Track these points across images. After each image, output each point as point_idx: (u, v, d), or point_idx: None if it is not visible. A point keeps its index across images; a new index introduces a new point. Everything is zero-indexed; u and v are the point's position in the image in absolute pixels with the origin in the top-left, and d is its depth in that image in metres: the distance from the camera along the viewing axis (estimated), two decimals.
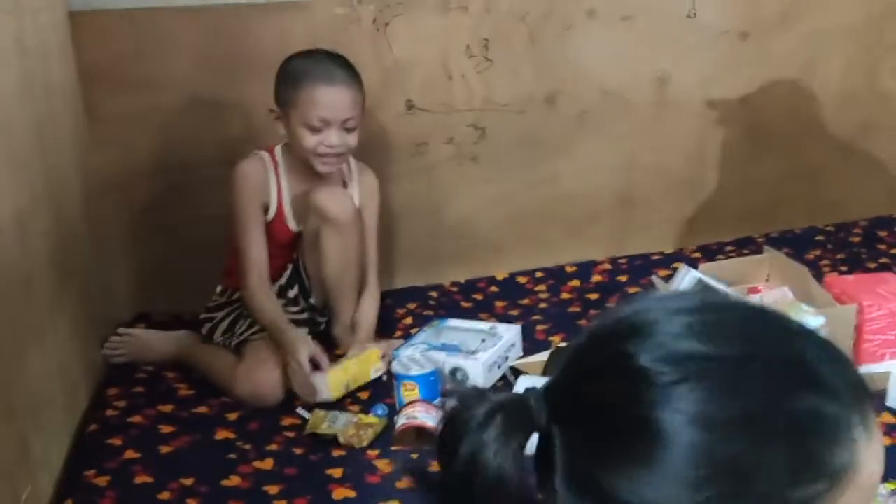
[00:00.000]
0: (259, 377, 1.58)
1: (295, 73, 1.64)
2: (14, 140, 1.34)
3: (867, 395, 0.51)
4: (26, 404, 1.28)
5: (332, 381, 1.54)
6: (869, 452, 0.49)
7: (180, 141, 1.90)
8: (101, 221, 1.84)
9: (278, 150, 1.73)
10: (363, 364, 1.60)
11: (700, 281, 1.65)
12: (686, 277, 1.68)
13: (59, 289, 1.49)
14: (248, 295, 1.66)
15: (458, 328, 1.75)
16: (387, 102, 2.00)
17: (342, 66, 1.65)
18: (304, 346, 1.56)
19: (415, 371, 1.49)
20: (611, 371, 0.51)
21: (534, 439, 0.55)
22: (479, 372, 1.56)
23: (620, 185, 2.20)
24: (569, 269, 2.15)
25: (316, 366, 1.56)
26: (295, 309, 1.77)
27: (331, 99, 1.61)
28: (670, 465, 0.48)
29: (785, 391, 0.49)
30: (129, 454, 1.40)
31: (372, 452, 1.41)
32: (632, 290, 2.03)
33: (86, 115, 1.81)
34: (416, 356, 1.55)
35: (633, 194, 2.21)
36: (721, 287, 1.64)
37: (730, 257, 2.09)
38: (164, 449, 1.42)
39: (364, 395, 1.60)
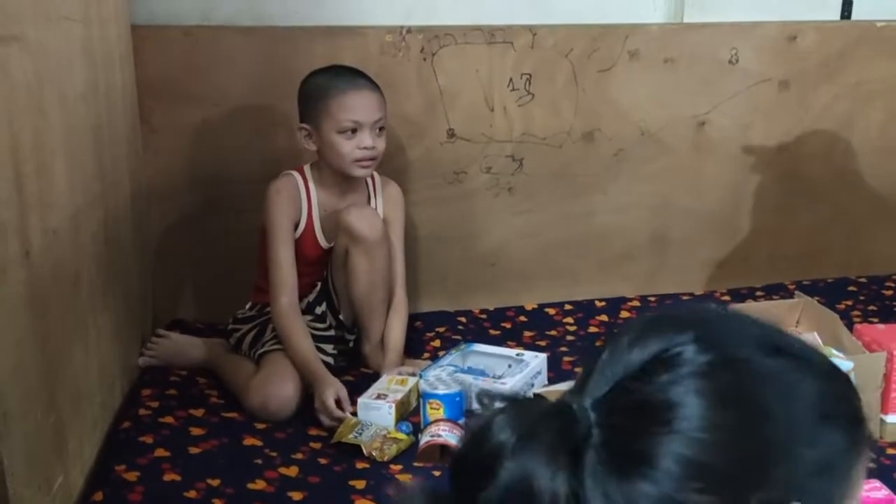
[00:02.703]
0: (270, 391, 1.58)
1: (320, 86, 1.72)
2: (75, 142, 1.41)
3: (863, 431, 0.56)
4: (66, 397, 1.32)
5: (395, 414, 1.54)
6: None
7: (227, 154, 1.96)
8: (145, 227, 1.90)
9: (307, 168, 1.79)
10: (413, 394, 1.61)
11: None
12: None
13: (103, 290, 1.54)
14: (278, 317, 1.68)
15: (485, 353, 1.77)
16: (429, 130, 2.05)
17: (362, 75, 1.74)
18: (331, 388, 1.56)
19: (441, 390, 1.52)
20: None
21: None
22: None
23: (654, 225, 2.22)
24: (598, 304, 2.17)
25: (339, 406, 1.54)
26: (322, 325, 1.80)
27: (360, 102, 1.69)
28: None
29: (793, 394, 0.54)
30: (160, 452, 1.43)
31: (395, 467, 1.44)
32: None
33: (141, 123, 1.88)
34: (442, 376, 1.58)
35: (666, 234, 2.23)
36: None
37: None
38: (193, 450, 1.45)
39: None
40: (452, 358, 1.73)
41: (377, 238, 1.74)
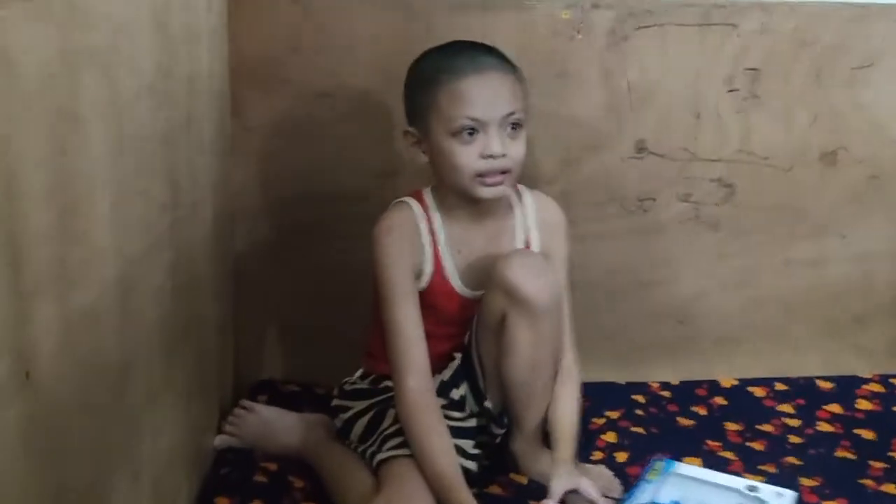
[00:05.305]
0: None
1: (427, 72, 1.23)
2: (131, 158, 0.93)
3: None
4: None
5: None
6: None
7: (338, 163, 1.49)
8: (228, 260, 1.44)
9: (427, 192, 1.29)
10: None
11: None
12: None
13: (166, 368, 1.08)
14: (404, 407, 1.20)
15: (697, 479, 1.23)
16: (610, 140, 1.51)
17: (488, 51, 1.24)
18: None
19: None
20: None
21: None
22: None
23: None
24: (822, 385, 1.61)
25: None
26: (460, 415, 1.30)
27: (482, 91, 1.19)
28: None
29: None
30: None
31: None
32: None
33: (231, 120, 1.41)
34: None
35: None
36: None
37: None
38: None
39: None
40: (653, 487, 1.19)
41: (549, 303, 1.22)
